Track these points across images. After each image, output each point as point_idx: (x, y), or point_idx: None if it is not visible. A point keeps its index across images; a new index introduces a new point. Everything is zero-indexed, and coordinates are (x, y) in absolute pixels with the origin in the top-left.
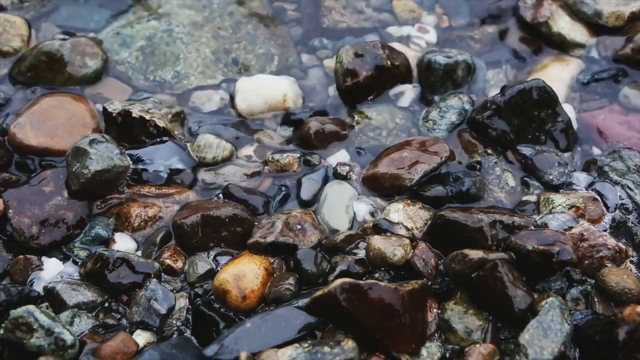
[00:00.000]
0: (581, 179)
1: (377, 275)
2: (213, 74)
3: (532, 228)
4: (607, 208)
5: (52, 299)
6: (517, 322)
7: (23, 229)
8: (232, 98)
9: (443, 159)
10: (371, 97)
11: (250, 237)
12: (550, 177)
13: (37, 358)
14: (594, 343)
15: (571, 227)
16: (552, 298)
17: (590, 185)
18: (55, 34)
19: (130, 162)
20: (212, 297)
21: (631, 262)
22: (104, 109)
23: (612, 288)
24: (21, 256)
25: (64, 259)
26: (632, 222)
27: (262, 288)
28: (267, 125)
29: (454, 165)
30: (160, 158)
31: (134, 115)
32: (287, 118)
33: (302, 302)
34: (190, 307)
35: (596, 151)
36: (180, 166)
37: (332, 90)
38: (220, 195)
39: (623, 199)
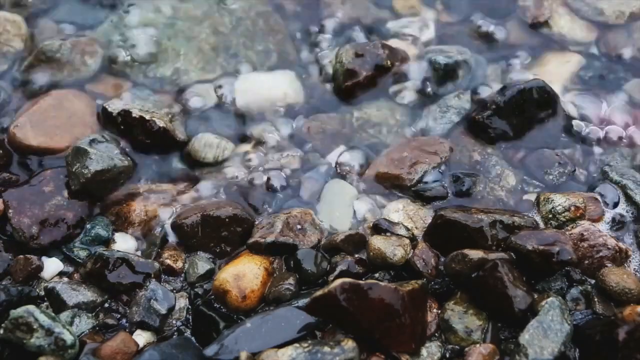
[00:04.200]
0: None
1: (377, 275)
2: (213, 70)
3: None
4: (607, 208)
5: (52, 299)
6: (517, 322)
7: (23, 229)
8: (231, 95)
9: (443, 158)
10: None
11: (250, 237)
12: (550, 176)
13: (37, 358)
14: (594, 343)
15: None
16: (552, 298)
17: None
18: (54, 31)
19: (131, 162)
20: (212, 297)
21: (631, 262)
22: (104, 108)
23: (612, 288)
24: (21, 256)
25: (64, 259)
26: (632, 222)
27: (262, 288)
28: (267, 123)
29: (454, 165)
30: None
31: (134, 115)
32: (287, 115)
33: (302, 302)
34: (190, 307)
35: (596, 150)
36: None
37: (331, 88)
38: (221, 195)
39: (623, 199)
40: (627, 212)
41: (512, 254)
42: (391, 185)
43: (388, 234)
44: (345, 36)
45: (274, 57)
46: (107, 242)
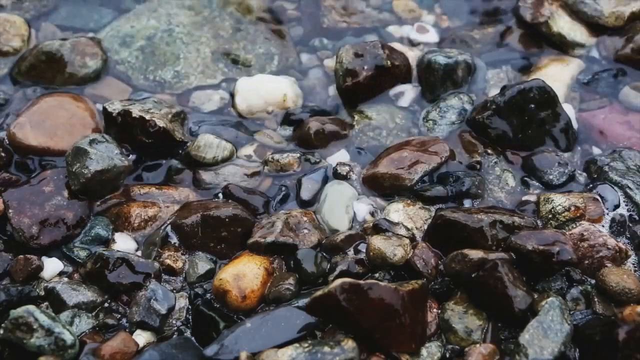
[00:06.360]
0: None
1: (377, 275)
2: (213, 73)
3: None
4: (607, 208)
5: (52, 299)
6: (517, 322)
7: (23, 229)
8: (232, 98)
9: (443, 159)
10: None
11: (250, 237)
12: (550, 177)
13: (37, 358)
14: (594, 343)
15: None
16: (552, 298)
17: (590, 185)
18: (55, 33)
19: (131, 162)
20: (212, 297)
21: (631, 262)
22: (104, 109)
23: (612, 288)
24: (21, 256)
25: (64, 259)
26: (632, 222)
27: (262, 288)
28: (267, 125)
29: (454, 165)
30: None
31: (134, 115)
32: (287, 118)
33: (302, 302)
34: (190, 307)
35: (596, 151)
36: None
37: (332, 90)
38: (220, 195)
39: (623, 199)
40: (627, 212)
41: (512, 254)
42: (391, 185)
43: (388, 234)
44: (345, 39)
45: (275, 60)
46: (107, 242)
